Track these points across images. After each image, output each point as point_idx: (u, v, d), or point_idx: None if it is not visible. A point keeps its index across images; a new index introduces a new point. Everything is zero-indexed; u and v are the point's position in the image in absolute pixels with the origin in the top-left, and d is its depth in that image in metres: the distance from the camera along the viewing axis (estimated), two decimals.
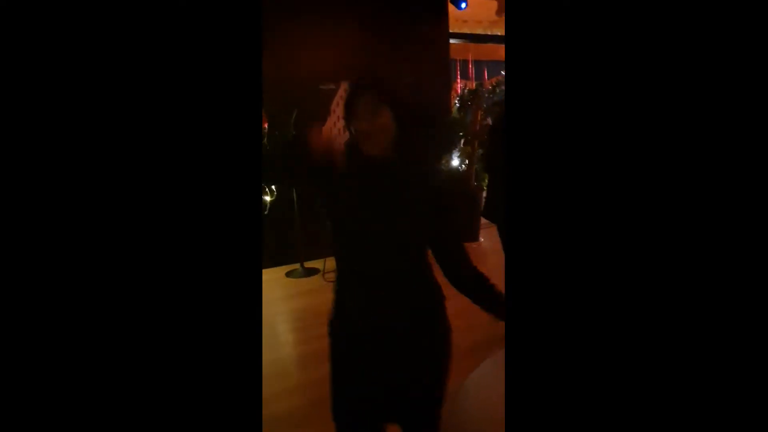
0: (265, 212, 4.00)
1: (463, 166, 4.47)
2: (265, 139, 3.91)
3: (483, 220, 4.92)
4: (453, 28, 4.83)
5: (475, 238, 4.68)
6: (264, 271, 4.03)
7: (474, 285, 1.04)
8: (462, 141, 4.43)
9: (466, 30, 5.35)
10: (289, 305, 3.28)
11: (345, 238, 1.03)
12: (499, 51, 7.23)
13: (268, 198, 3.99)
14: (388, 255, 0.99)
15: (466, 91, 4.85)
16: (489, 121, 4.46)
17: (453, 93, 5.55)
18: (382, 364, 1.02)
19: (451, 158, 4.43)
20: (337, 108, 4.31)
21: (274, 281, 3.79)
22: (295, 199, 3.92)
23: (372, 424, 1.09)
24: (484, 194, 4.68)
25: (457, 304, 1.12)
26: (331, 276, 3.86)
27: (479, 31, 5.53)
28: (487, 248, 4.43)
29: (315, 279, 3.79)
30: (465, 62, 7.73)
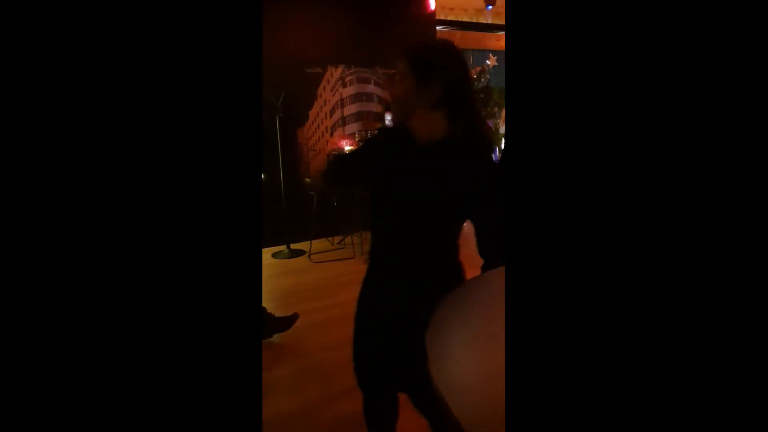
0: None
1: None
2: None
3: None
4: (439, 16, 4.87)
5: None
6: None
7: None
8: None
9: (452, 17, 5.40)
10: (275, 284, 3.34)
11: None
12: (485, 40, 7.28)
13: None
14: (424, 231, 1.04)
15: None
16: None
17: None
18: (404, 340, 1.04)
19: None
20: (324, 92, 4.35)
21: None
22: (282, 182, 3.96)
23: (388, 388, 1.15)
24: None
25: None
26: (317, 257, 3.95)
27: (465, 18, 5.58)
28: None
29: (301, 260, 3.86)
30: None
